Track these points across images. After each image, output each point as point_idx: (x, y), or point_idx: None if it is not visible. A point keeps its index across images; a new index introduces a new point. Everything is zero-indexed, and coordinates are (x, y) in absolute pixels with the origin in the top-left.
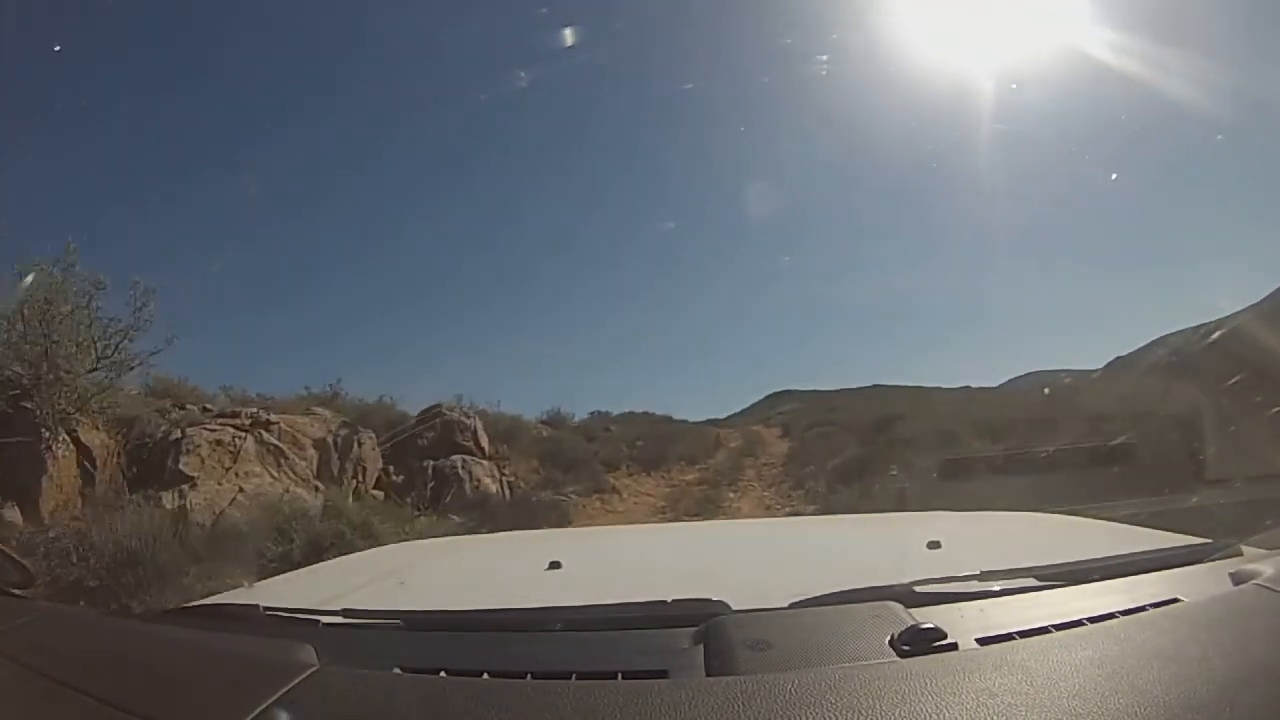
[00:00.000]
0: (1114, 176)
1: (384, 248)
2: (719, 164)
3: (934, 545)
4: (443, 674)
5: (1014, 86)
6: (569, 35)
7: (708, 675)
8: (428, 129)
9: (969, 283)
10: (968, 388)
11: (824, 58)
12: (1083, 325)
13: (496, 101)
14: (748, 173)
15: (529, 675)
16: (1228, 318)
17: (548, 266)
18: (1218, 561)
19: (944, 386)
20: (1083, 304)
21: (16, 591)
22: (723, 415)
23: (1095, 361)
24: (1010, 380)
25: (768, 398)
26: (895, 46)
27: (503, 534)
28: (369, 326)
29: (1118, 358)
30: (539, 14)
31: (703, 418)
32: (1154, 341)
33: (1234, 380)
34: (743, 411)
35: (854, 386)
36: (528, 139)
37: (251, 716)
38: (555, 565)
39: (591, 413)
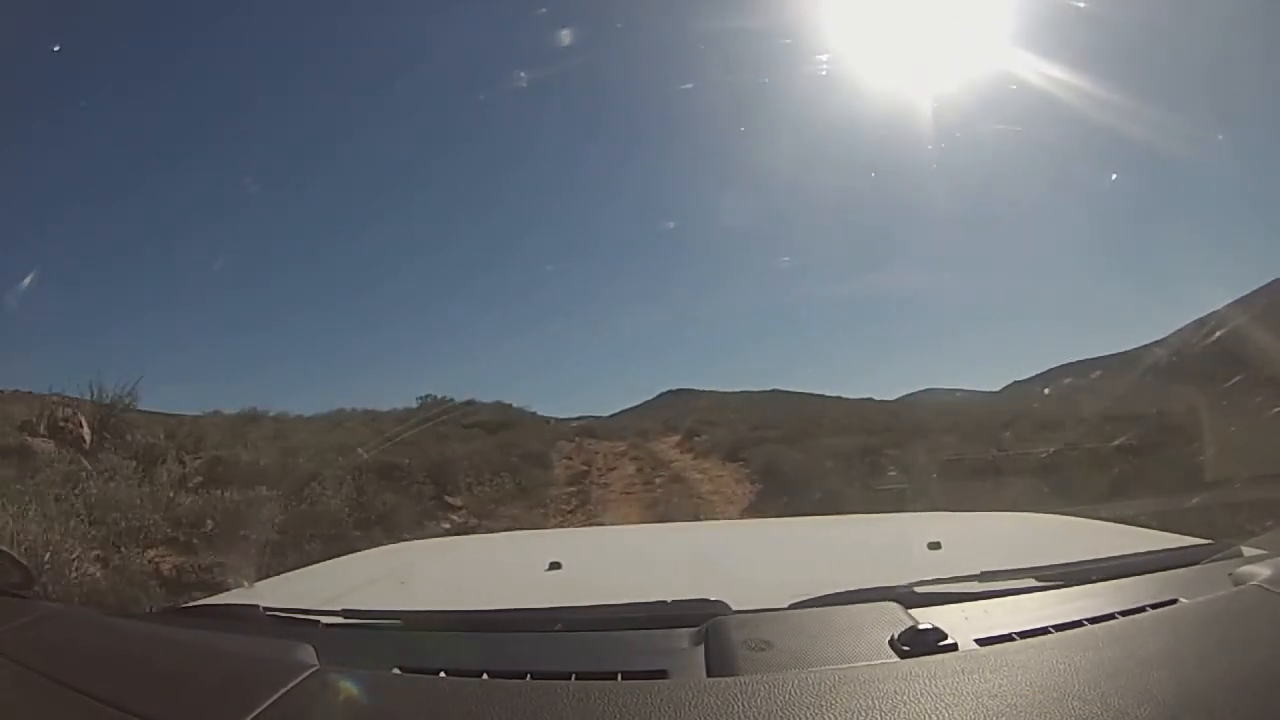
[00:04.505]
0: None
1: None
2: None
3: (934, 546)
4: (442, 674)
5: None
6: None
7: (708, 675)
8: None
9: (872, 296)
10: (870, 399)
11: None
12: (980, 350)
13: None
14: (654, 176)
15: (529, 675)
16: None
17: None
18: (1217, 562)
19: (846, 396)
20: (983, 331)
21: (16, 591)
22: (607, 413)
23: (993, 385)
24: (907, 395)
25: (662, 395)
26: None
27: (503, 534)
28: None
29: (1015, 382)
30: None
31: (575, 414)
32: (1050, 370)
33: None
34: (632, 410)
35: (753, 389)
36: (514, 138)
37: (251, 716)
38: (555, 566)
39: (420, 398)
